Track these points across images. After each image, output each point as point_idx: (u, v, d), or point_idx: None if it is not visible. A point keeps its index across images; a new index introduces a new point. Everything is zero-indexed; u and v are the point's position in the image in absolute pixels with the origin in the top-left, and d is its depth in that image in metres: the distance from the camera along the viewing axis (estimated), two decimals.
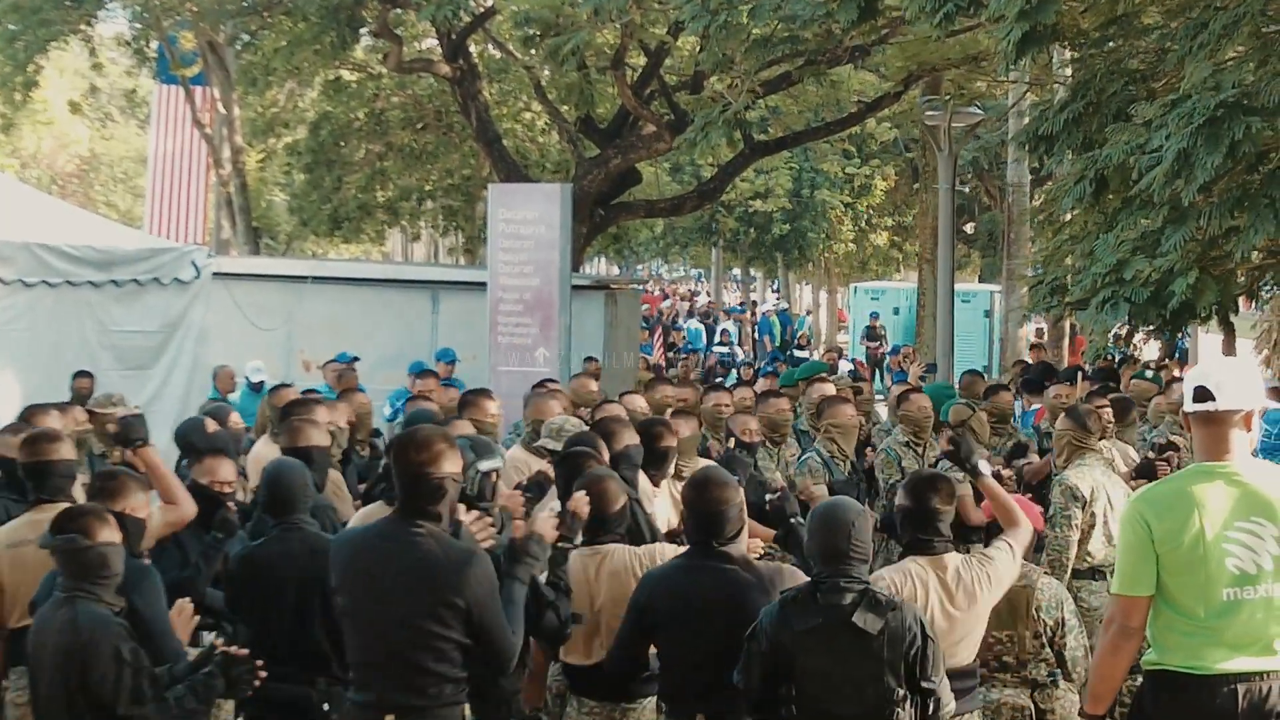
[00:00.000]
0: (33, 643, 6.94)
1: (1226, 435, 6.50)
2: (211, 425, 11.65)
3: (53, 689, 6.74)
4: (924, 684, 6.62)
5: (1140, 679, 6.72)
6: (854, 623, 6.55)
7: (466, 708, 6.79)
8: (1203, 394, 6.51)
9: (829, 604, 6.61)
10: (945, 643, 7.42)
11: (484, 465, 7.67)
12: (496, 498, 8.01)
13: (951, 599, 7.52)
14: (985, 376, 19.86)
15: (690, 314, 54.82)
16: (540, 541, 7.12)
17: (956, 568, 7.58)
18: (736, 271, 73.87)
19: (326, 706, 7.94)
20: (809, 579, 6.85)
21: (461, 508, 7.39)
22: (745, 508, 7.65)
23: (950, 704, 6.79)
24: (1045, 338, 36.60)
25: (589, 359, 20.95)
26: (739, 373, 32.58)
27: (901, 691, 6.62)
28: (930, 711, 6.66)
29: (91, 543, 6.81)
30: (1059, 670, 8.45)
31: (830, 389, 14.61)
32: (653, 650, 7.55)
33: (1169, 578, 6.38)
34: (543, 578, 7.28)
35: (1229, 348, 23.73)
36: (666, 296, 61.26)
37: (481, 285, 21.96)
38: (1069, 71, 23.26)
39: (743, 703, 6.82)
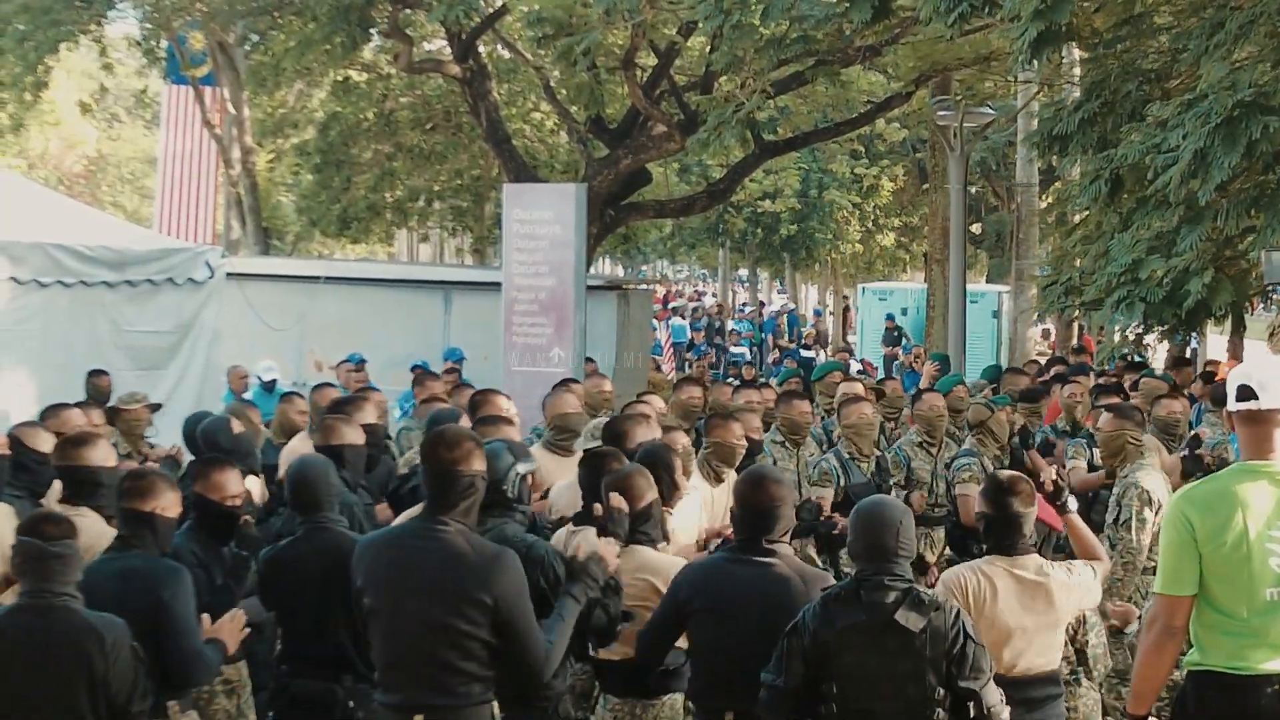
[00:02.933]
0: (6, 648, 6.78)
1: (1270, 434, 6.47)
2: (237, 425, 11.63)
3: (61, 690, 6.67)
4: (961, 684, 6.60)
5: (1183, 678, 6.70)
6: (896, 620, 6.54)
7: (495, 706, 6.77)
8: (1246, 393, 6.49)
9: (872, 601, 6.59)
10: (1020, 643, 7.46)
11: (522, 468, 7.64)
12: (530, 500, 8.00)
13: (1031, 599, 7.51)
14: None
15: (674, 310, 54.74)
16: (600, 562, 7.13)
17: (1039, 568, 7.58)
18: (743, 272, 73.77)
19: (352, 704, 7.92)
20: (851, 577, 6.85)
21: (592, 531, 7.52)
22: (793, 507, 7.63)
23: (998, 708, 6.74)
24: (1054, 338, 36.62)
25: (588, 360, 20.91)
26: (742, 373, 32.60)
27: (942, 691, 6.62)
28: (973, 714, 6.64)
29: (55, 548, 6.71)
30: (1081, 669, 8.43)
31: (858, 388, 14.55)
32: (683, 644, 7.54)
33: (1212, 577, 6.35)
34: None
35: (1237, 348, 23.72)
36: (668, 299, 61.07)
37: (494, 285, 21.96)
38: (1079, 72, 23.28)
39: (770, 701, 6.80)
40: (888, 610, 6.57)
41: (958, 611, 6.69)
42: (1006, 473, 8.07)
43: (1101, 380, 16.76)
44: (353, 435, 9.99)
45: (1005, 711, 6.73)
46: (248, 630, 7.69)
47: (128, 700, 6.65)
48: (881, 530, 6.73)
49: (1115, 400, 13.60)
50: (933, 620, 6.54)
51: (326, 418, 10.48)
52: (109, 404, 13.79)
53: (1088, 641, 8.35)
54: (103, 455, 8.75)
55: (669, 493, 8.59)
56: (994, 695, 6.70)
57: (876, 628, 6.56)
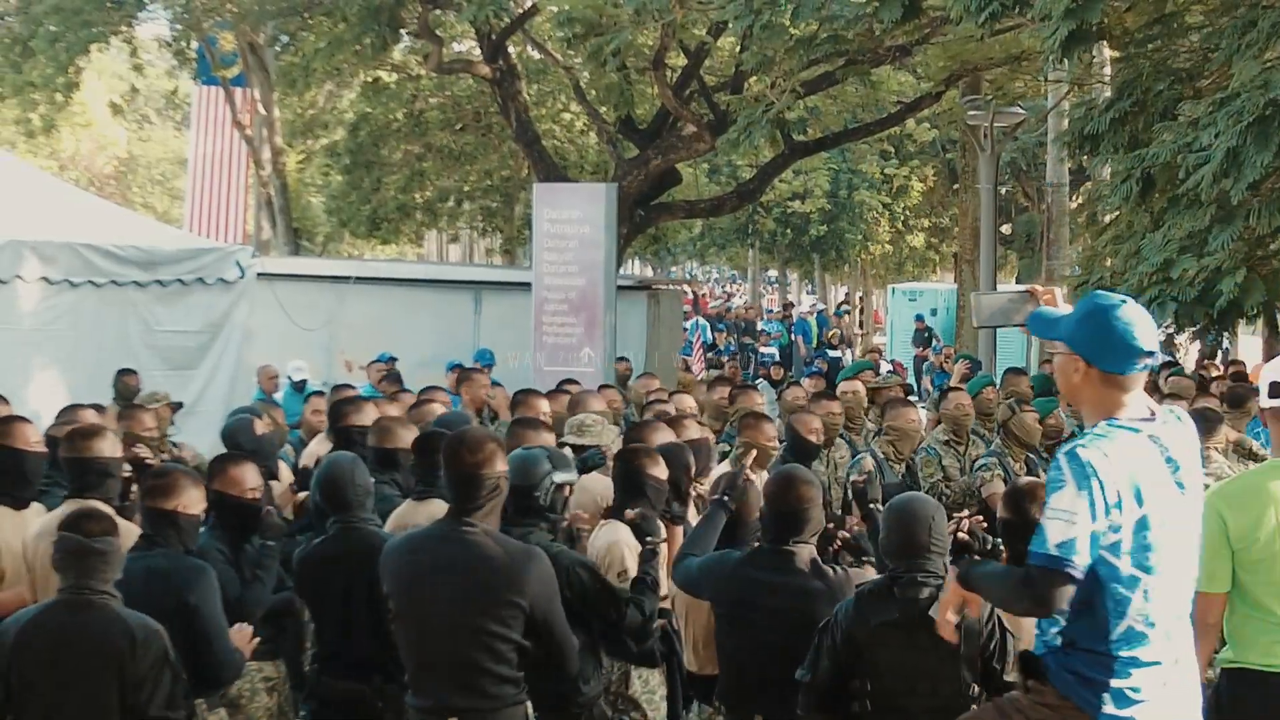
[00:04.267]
0: (38, 640, 6.79)
1: None
2: (260, 426, 11.63)
3: (92, 688, 6.67)
4: (1006, 678, 6.59)
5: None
6: (930, 616, 6.53)
7: (529, 707, 6.75)
8: (1277, 390, 6.47)
9: (905, 598, 6.59)
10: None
11: (559, 477, 7.58)
12: (567, 511, 7.98)
13: None
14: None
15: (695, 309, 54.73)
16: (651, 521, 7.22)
17: None
18: (772, 273, 73.75)
19: (381, 704, 7.91)
20: (885, 574, 6.85)
21: (624, 528, 7.64)
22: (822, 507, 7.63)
23: None
24: None
25: (620, 359, 20.91)
26: (770, 373, 32.58)
27: (977, 688, 6.60)
28: None
29: (98, 545, 6.73)
30: None
31: (858, 386, 14.57)
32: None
33: (1245, 574, 6.33)
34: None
35: (1271, 348, 23.62)
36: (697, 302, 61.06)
37: (524, 285, 21.98)
38: (1110, 71, 23.21)
39: (804, 699, 6.79)
40: (921, 606, 6.57)
41: (991, 607, 6.68)
42: (1027, 480, 8.04)
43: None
44: (406, 438, 9.94)
45: None
46: (257, 640, 7.69)
47: (148, 701, 6.64)
48: (913, 527, 6.74)
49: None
50: (966, 616, 6.53)
51: (381, 420, 10.43)
52: (131, 404, 13.76)
53: None
54: (111, 447, 8.76)
55: (684, 497, 8.68)
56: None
57: (910, 624, 6.56)
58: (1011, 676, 6.59)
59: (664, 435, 9.42)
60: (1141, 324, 5.33)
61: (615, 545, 7.91)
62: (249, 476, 8.37)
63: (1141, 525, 5.24)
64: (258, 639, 7.68)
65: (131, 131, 68.08)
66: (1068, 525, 5.16)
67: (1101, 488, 5.17)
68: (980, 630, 6.59)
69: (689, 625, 8.54)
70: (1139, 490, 5.22)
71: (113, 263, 17.47)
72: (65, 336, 17.14)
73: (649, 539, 7.51)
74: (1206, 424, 12.32)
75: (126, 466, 9.20)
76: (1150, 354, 5.33)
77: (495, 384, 15.32)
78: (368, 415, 11.06)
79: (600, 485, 8.93)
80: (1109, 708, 5.26)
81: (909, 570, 6.68)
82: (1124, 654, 5.26)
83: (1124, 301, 5.39)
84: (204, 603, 7.33)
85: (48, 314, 16.97)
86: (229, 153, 39.27)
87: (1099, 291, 5.67)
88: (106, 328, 17.51)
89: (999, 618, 6.67)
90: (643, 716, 8.08)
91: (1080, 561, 5.14)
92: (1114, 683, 5.26)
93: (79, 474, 8.64)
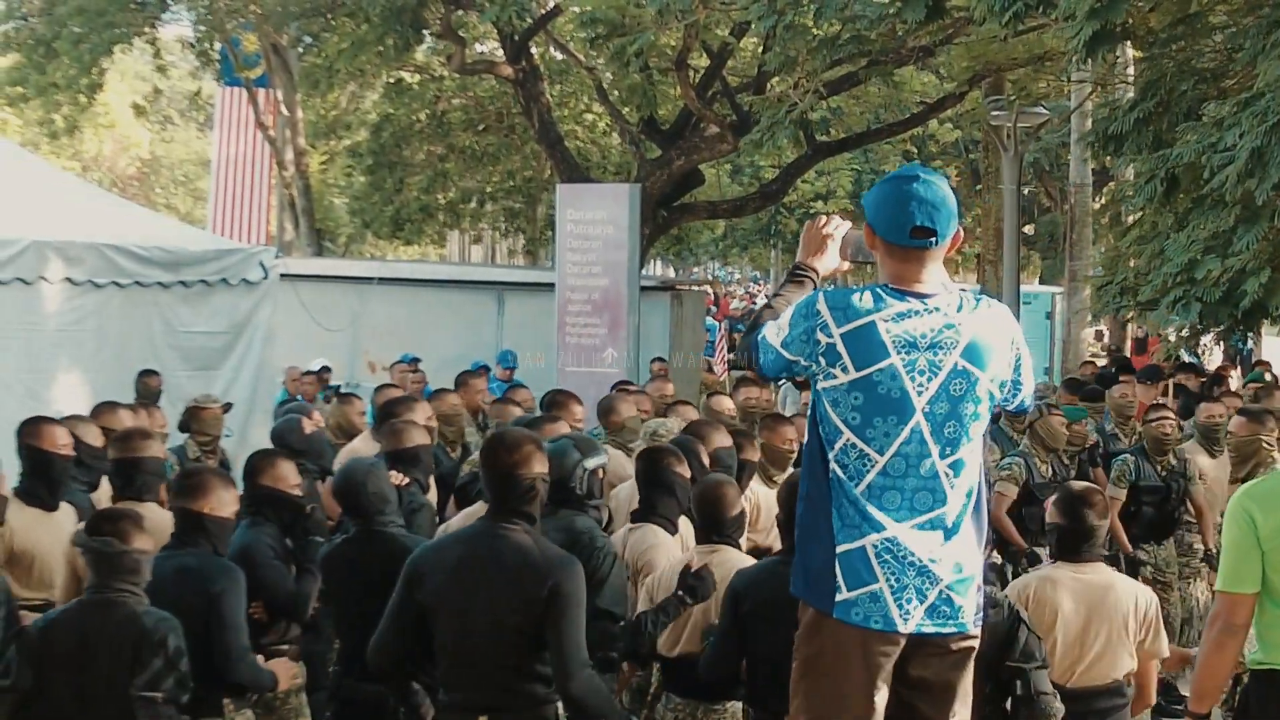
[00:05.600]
0: (59, 640, 6.83)
1: None
2: (308, 425, 11.69)
3: (111, 687, 6.69)
4: (1009, 663, 6.58)
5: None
6: None
7: (560, 706, 6.75)
8: None
9: None
10: (1079, 650, 7.44)
11: (590, 463, 7.60)
12: (604, 495, 7.99)
13: (1094, 607, 7.47)
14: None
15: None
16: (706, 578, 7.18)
17: (1108, 581, 7.54)
18: None
19: (403, 710, 7.90)
20: None
21: (650, 528, 7.66)
22: None
23: (1050, 697, 6.70)
24: (1107, 340, 36.46)
25: (656, 360, 20.93)
26: None
27: (988, 689, 6.59)
28: (1019, 693, 6.61)
29: (126, 547, 6.77)
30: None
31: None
32: None
33: (1275, 574, 6.28)
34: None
35: None
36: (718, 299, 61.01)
37: (547, 286, 21.99)
38: (1134, 71, 23.18)
39: None
40: None
41: (1016, 611, 6.67)
42: (1080, 484, 8.01)
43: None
44: (421, 437, 9.95)
45: (1058, 704, 6.70)
46: (299, 680, 7.73)
47: (133, 679, 6.66)
48: None
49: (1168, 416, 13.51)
50: (990, 618, 6.52)
51: (394, 422, 10.44)
52: (191, 405, 13.80)
53: None
54: (158, 449, 8.81)
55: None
56: (1045, 682, 6.68)
57: None
58: (1021, 663, 6.60)
59: (723, 437, 9.48)
60: (923, 198, 5.24)
61: (655, 549, 7.94)
62: (292, 473, 8.46)
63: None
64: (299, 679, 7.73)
65: (154, 133, 68.27)
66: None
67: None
68: (1001, 629, 6.58)
69: None
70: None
71: (136, 264, 17.46)
72: (89, 337, 17.14)
73: (686, 597, 7.50)
74: None
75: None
76: (928, 230, 5.24)
77: (520, 385, 15.34)
78: (419, 414, 11.12)
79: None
80: None
81: None
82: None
83: (916, 176, 5.31)
84: (227, 595, 7.37)
85: (71, 315, 16.96)
86: (252, 154, 39.32)
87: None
88: (130, 329, 17.50)
89: (1020, 616, 6.66)
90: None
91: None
92: None
93: (128, 476, 8.69)
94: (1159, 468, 12.78)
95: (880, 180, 5.54)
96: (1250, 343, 29.03)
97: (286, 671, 7.69)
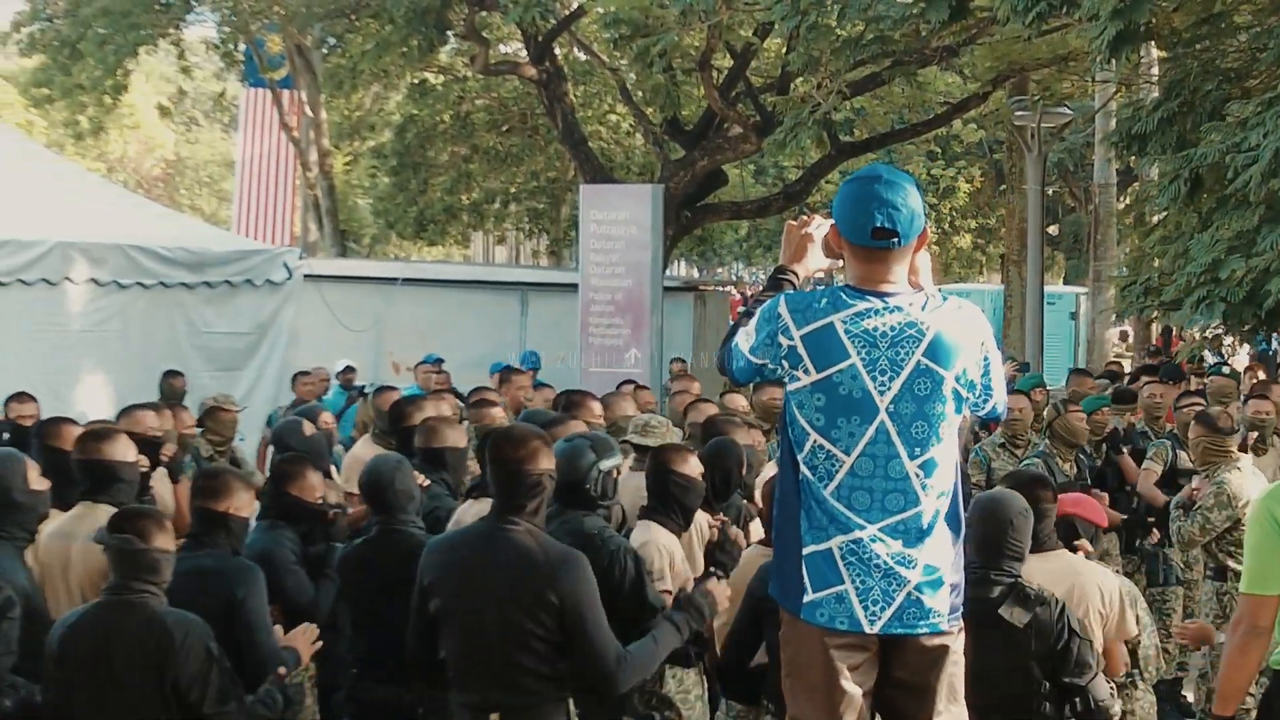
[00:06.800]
0: (80, 642, 6.82)
1: None
2: (309, 428, 11.65)
3: (133, 689, 6.68)
4: (1066, 679, 6.58)
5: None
6: (1000, 615, 6.53)
7: (571, 704, 6.73)
8: None
9: (976, 596, 6.49)
10: None
11: (605, 464, 7.55)
12: (618, 495, 7.97)
13: (1061, 594, 7.47)
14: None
15: None
16: (713, 606, 7.11)
17: (1073, 568, 7.53)
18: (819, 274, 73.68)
19: (421, 710, 7.88)
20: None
21: (658, 529, 7.67)
22: None
23: (1108, 702, 6.71)
24: (1131, 340, 36.38)
25: (675, 360, 20.93)
26: None
27: (1047, 685, 6.60)
28: (1080, 709, 6.61)
29: (146, 546, 6.76)
30: (1136, 670, 8.35)
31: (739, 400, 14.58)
32: None
33: None
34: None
35: None
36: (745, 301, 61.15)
37: (570, 287, 22.01)
38: (1158, 71, 23.14)
39: None
40: (992, 605, 6.58)
41: (1063, 607, 6.68)
42: (1030, 470, 8.02)
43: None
44: (455, 438, 9.91)
45: (1116, 705, 6.70)
46: (319, 644, 7.69)
47: (200, 700, 6.64)
48: (993, 526, 6.79)
49: (1195, 400, 13.55)
50: (1038, 615, 6.55)
51: (429, 420, 10.40)
52: (210, 404, 13.76)
53: (1140, 641, 8.26)
54: (123, 450, 8.71)
55: (724, 491, 8.76)
56: (1102, 689, 6.68)
57: (980, 622, 6.48)
58: (1076, 679, 6.60)
59: (745, 434, 9.46)
60: (884, 199, 5.26)
61: (647, 545, 7.90)
62: (318, 483, 8.52)
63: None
64: (319, 643, 7.69)
65: (179, 133, 68.50)
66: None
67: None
68: (1052, 629, 6.59)
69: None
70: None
71: (161, 264, 17.51)
72: (113, 338, 17.18)
73: (717, 571, 7.45)
74: None
75: (144, 460, 9.23)
76: (887, 230, 5.25)
77: (543, 385, 15.32)
78: (429, 411, 11.10)
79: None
80: None
81: (983, 568, 6.68)
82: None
83: (879, 176, 5.35)
84: (250, 598, 7.33)
85: (96, 315, 17.02)
86: (276, 155, 39.46)
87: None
88: (154, 329, 17.55)
89: (1069, 618, 6.66)
90: (677, 716, 8.06)
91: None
92: None
93: (92, 477, 8.62)
94: (1191, 454, 12.75)
95: (845, 180, 5.57)
96: (1275, 343, 28.93)
97: (305, 639, 7.64)
